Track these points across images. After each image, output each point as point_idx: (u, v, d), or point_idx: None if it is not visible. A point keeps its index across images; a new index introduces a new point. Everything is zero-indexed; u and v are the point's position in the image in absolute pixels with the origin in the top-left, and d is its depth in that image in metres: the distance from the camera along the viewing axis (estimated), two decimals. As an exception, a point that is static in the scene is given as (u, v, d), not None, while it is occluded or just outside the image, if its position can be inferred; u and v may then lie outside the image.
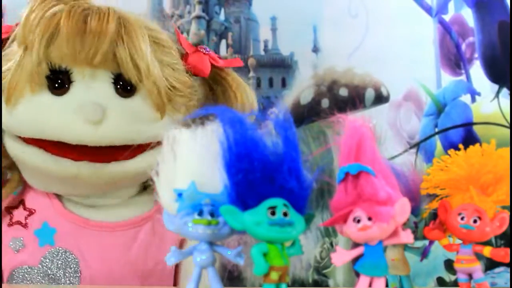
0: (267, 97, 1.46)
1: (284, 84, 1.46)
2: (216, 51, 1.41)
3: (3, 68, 0.79)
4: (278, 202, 0.50)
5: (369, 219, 0.51)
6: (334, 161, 0.54)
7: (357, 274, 0.53)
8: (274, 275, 0.50)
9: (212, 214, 0.51)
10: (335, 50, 1.46)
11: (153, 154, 0.81)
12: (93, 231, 0.86)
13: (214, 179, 0.51)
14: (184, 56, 0.88)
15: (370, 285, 0.52)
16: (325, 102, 1.44)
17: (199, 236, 0.52)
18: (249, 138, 0.51)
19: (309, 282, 1.39)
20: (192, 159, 0.52)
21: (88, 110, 0.77)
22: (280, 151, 0.51)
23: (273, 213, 0.49)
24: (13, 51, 0.80)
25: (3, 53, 0.81)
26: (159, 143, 0.78)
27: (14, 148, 0.82)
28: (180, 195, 0.52)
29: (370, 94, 1.44)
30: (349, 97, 1.44)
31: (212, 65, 0.89)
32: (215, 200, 0.51)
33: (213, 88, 0.92)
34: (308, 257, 1.38)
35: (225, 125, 0.51)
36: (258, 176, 0.50)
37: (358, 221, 0.51)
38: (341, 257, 0.53)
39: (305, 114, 1.38)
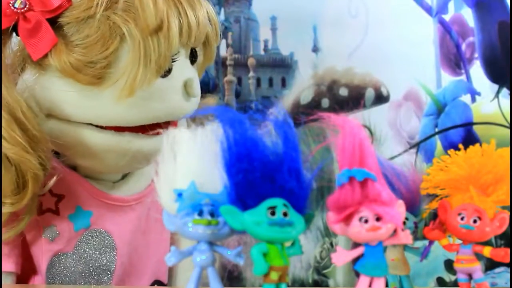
0: (267, 97, 1.46)
1: (284, 84, 1.47)
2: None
3: (96, 56, 0.75)
4: (278, 202, 0.50)
5: (377, 219, 0.51)
6: (334, 161, 0.54)
7: (357, 274, 0.53)
8: (274, 275, 0.50)
9: (212, 214, 0.51)
10: (335, 50, 1.46)
11: None
12: (120, 207, 0.87)
13: (214, 179, 0.51)
14: None
15: (370, 285, 0.52)
16: (325, 102, 1.44)
17: (199, 236, 0.51)
18: (249, 138, 0.51)
19: (309, 282, 1.39)
20: (192, 159, 0.52)
21: (194, 86, 0.81)
22: (280, 151, 0.51)
23: (273, 213, 0.49)
24: (95, 36, 0.75)
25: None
26: None
27: (102, 139, 0.80)
28: (180, 195, 0.52)
29: (370, 94, 1.44)
30: (349, 97, 1.44)
31: None
32: (215, 200, 0.51)
33: None
34: (308, 257, 1.39)
35: (225, 125, 0.51)
36: (258, 176, 0.50)
37: (366, 221, 0.51)
38: (341, 257, 0.53)
39: (305, 114, 1.38)
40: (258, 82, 1.47)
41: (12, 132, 0.72)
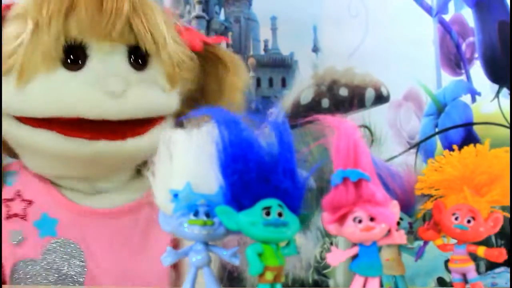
0: (267, 97, 1.46)
1: (284, 84, 1.47)
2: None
3: (6, 49, 0.77)
4: (272, 202, 0.50)
5: (371, 219, 0.51)
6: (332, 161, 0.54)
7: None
8: (269, 275, 0.50)
9: (207, 215, 0.52)
10: (335, 50, 1.46)
11: (162, 128, 0.83)
12: (94, 219, 0.85)
13: (209, 179, 0.52)
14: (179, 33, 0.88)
15: (364, 285, 0.52)
16: (325, 102, 1.44)
17: (194, 236, 0.52)
18: (244, 139, 0.51)
19: (309, 282, 1.39)
20: (187, 160, 0.53)
21: (110, 81, 0.77)
22: (275, 152, 0.52)
23: (267, 214, 0.50)
24: (13, 30, 0.78)
25: None
26: (164, 117, 0.83)
27: (19, 132, 0.80)
28: (175, 195, 0.52)
29: (370, 94, 1.44)
30: (349, 97, 1.44)
31: (204, 42, 0.90)
32: (210, 200, 0.52)
33: (204, 64, 0.92)
34: (308, 257, 1.38)
35: (220, 126, 0.52)
36: (253, 176, 0.50)
37: (360, 221, 0.51)
38: (336, 257, 0.53)
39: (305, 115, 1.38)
40: (258, 82, 1.47)
41: None
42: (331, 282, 1.40)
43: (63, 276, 0.83)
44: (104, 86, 0.77)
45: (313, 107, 1.42)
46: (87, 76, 0.78)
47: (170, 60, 0.82)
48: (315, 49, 1.46)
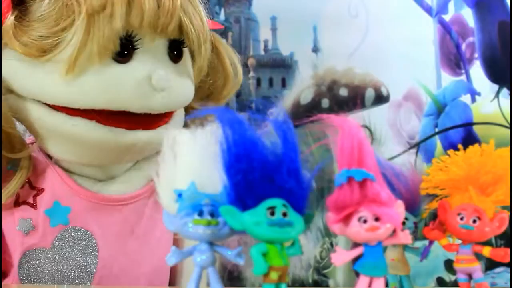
0: (267, 97, 1.46)
1: (284, 84, 1.47)
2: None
3: (45, 32, 0.76)
4: (277, 202, 0.50)
5: (376, 219, 0.51)
6: (335, 161, 0.54)
7: (357, 274, 0.53)
8: (273, 275, 0.50)
9: (212, 215, 0.51)
10: (335, 50, 1.46)
11: (180, 116, 0.85)
12: (106, 206, 0.85)
13: (213, 179, 0.51)
14: None
15: (369, 285, 0.52)
16: (325, 102, 1.44)
17: (199, 236, 0.52)
18: (248, 138, 0.51)
19: (309, 282, 1.39)
20: (192, 159, 0.52)
21: (157, 76, 0.78)
22: (279, 151, 0.51)
23: (272, 213, 0.49)
24: (53, 14, 0.76)
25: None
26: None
27: (52, 120, 0.79)
28: (180, 195, 0.52)
29: (370, 94, 1.45)
30: (349, 97, 1.44)
31: None
32: (215, 200, 0.51)
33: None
34: (308, 257, 1.38)
35: (224, 125, 0.51)
36: (257, 176, 0.50)
37: (365, 221, 0.51)
38: (341, 257, 0.53)
39: (305, 114, 1.38)
40: (258, 82, 1.47)
41: None
42: (331, 282, 1.40)
43: (75, 266, 0.83)
44: (152, 81, 0.78)
45: (313, 107, 1.43)
46: (136, 70, 0.78)
47: (206, 54, 0.84)
48: (315, 49, 1.47)
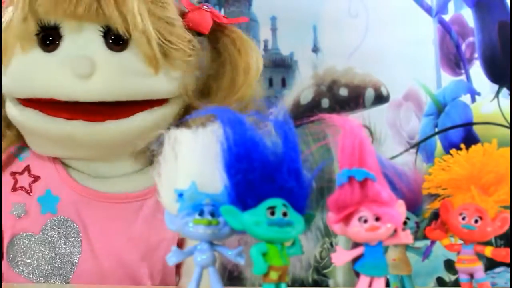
0: (267, 97, 1.46)
1: (284, 84, 1.47)
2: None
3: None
4: (277, 202, 0.50)
5: (377, 219, 0.51)
6: (334, 161, 0.54)
7: (357, 274, 0.53)
8: (273, 275, 0.50)
9: (212, 214, 0.51)
10: (335, 50, 1.46)
11: (153, 114, 0.82)
12: (97, 202, 0.86)
13: (214, 179, 0.51)
14: (184, 14, 0.87)
15: (370, 285, 0.52)
16: (325, 102, 1.44)
17: (199, 236, 0.52)
18: (249, 138, 0.51)
19: (309, 282, 1.39)
20: (192, 159, 0.53)
21: (76, 63, 0.77)
22: (279, 151, 0.51)
23: (272, 213, 0.50)
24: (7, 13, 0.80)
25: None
26: (159, 103, 0.82)
27: (12, 111, 0.82)
28: (181, 195, 0.52)
29: (370, 94, 1.44)
30: (349, 97, 1.44)
31: (216, 23, 0.88)
32: (215, 200, 0.51)
33: (216, 47, 0.90)
34: (308, 257, 1.38)
35: (225, 125, 0.51)
36: (258, 176, 0.50)
37: (365, 221, 0.51)
38: (341, 257, 0.53)
39: (305, 114, 1.38)
40: (258, 82, 1.47)
41: None
42: (331, 282, 1.40)
43: (58, 254, 0.84)
44: (70, 67, 0.77)
45: (313, 107, 1.42)
46: (59, 57, 0.78)
47: (145, 40, 0.79)
48: (315, 49, 1.46)
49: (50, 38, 0.79)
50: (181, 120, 0.81)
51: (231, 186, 0.50)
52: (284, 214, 0.50)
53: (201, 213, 0.51)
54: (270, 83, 1.47)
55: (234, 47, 0.89)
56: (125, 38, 0.79)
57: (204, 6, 0.88)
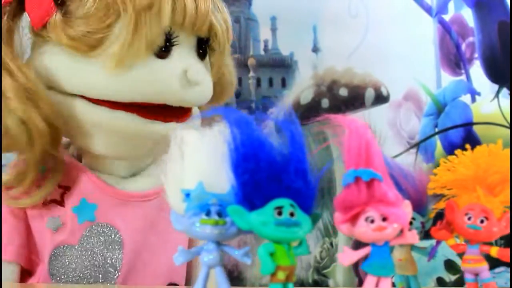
0: (267, 97, 1.46)
1: (284, 84, 1.47)
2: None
3: (92, 27, 0.79)
4: (284, 202, 0.50)
5: (383, 219, 0.51)
6: (335, 162, 0.54)
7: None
8: (281, 275, 0.50)
9: (219, 214, 0.51)
10: (335, 50, 1.47)
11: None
12: (129, 202, 0.87)
13: (221, 179, 0.51)
14: None
15: (377, 285, 0.52)
16: (325, 102, 1.44)
17: (206, 236, 0.51)
18: (256, 138, 0.51)
19: (309, 282, 1.39)
20: (199, 159, 0.52)
21: (193, 71, 0.82)
22: (286, 151, 0.51)
23: (279, 213, 0.49)
24: (95, 9, 0.79)
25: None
26: None
27: (94, 114, 0.82)
28: (187, 195, 0.52)
29: (370, 94, 1.45)
30: (349, 97, 1.44)
31: None
32: (222, 200, 0.51)
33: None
34: (308, 257, 1.38)
35: (231, 125, 0.51)
36: (265, 176, 0.50)
37: (372, 221, 0.51)
38: (348, 257, 0.53)
39: (305, 114, 1.38)
40: (258, 82, 1.47)
41: (19, 93, 0.78)
42: (331, 282, 1.40)
43: (103, 261, 0.85)
44: (187, 75, 0.81)
45: (313, 107, 1.43)
46: (175, 65, 0.82)
47: (226, 53, 0.91)
48: (315, 49, 1.47)
49: (165, 46, 0.82)
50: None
51: (238, 186, 0.50)
52: (291, 214, 0.50)
53: (208, 213, 0.51)
54: (270, 83, 1.47)
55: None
56: (207, 48, 0.87)
57: None
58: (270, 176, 0.50)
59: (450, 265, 1.38)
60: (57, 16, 0.80)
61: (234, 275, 1.11)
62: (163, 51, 0.81)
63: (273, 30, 1.47)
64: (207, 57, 0.88)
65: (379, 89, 1.46)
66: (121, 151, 0.87)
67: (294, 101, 1.45)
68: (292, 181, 0.50)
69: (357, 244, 0.52)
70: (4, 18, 0.81)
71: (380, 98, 1.46)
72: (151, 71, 0.80)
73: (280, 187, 0.50)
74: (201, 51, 0.86)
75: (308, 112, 1.42)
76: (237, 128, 0.51)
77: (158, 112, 0.82)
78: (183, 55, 0.83)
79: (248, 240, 0.52)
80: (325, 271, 1.40)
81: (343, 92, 1.45)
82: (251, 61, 1.47)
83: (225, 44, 0.88)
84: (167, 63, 0.81)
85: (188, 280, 0.93)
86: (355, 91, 1.45)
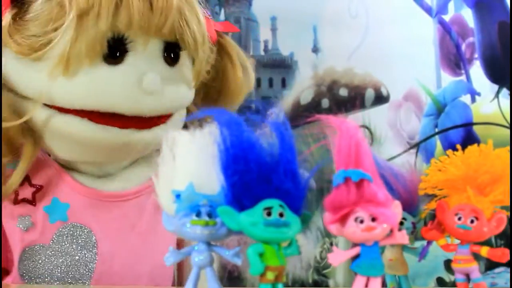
0: (267, 97, 1.46)
1: (284, 84, 1.47)
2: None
3: (38, 31, 0.77)
4: (274, 203, 0.50)
5: (373, 220, 0.51)
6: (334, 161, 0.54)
7: (357, 274, 0.53)
8: (270, 275, 0.50)
9: (209, 215, 0.51)
10: (335, 50, 1.47)
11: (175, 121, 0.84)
12: (105, 203, 0.85)
13: (211, 180, 0.52)
14: None
15: (366, 285, 0.52)
16: (325, 102, 1.44)
17: (197, 236, 0.52)
18: (245, 139, 0.51)
19: (309, 282, 1.39)
20: (190, 160, 0.53)
21: (149, 79, 0.77)
22: (276, 152, 0.52)
23: (269, 214, 0.50)
24: (45, 11, 0.77)
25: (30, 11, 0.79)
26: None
27: (50, 119, 0.79)
28: (178, 196, 0.52)
29: (370, 94, 1.45)
30: (349, 97, 1.45)
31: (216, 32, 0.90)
32: (212, 201, 0.51)
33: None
34: (308, 257, 1.38)
35: (222, 127, 0.51)
36: (254, 177, 0.50)
37: (361, 221, 0.51)
38: (338, 257, 0.53)
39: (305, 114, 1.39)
40: (258, 82, 1.47)
41: None
42: (331, 282, 1.40)
43: (75, 262, 0.83)
44: (142, 84, 0.77)
45: (313, 107, 1.43)
46: (127, 72, 0.78)
47: (204, 57, 0.83)
48: (315, 49, 1.47)
49: (115, 51, 0.78)
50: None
51: (228, 187, 0.50)
52: (281, 215, 0.50)
53: (198, 214, 0.51)
54: (270, 83, 1.47)
55: (229, 60, 0.91)
56: (179, 53, 0.82)
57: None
58: (259, 177, 0.50)
59: (450, 266, 1.37)
60: (6, 19, 0.77)
61: (234, 275, 1.11)
62: (113, 57, 0.77)
63: (273, 30, 1.47)
64: (184, 63, 0.83)
65: (379, 89, 1.46)
66: (85, 157, 0.84)
67: (294, 101, 1.45)
68: (282, 182, 0.51)
69: (357, 245, 0.52)
70: None
71: (380, 98, 1.46)
72: (96, 79, 0.77)
73: (270, 188, 0.50)
74: (171, 56, 0.81)
75: (308, 112, 1.41)
76: (227, 129, 0.51)
77: (114, 118, 0.78)
78: (140, 62, 0.78)
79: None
80: (325, 271, 1.40)
81: (343, 92, 1.45)
82: (251, 62, 1.47)
83: (197, 48, 0.81)
84: (116, 70, 0.77)
85: (180, 281, 0.91)
86: (355, 91, 1.45)
